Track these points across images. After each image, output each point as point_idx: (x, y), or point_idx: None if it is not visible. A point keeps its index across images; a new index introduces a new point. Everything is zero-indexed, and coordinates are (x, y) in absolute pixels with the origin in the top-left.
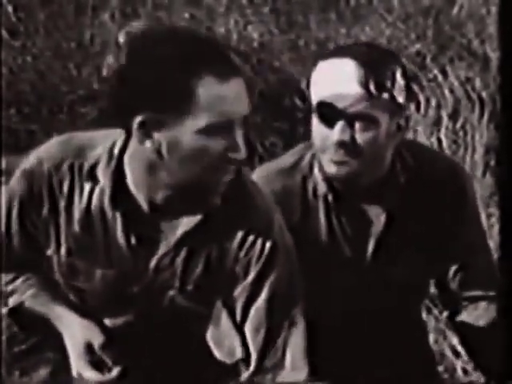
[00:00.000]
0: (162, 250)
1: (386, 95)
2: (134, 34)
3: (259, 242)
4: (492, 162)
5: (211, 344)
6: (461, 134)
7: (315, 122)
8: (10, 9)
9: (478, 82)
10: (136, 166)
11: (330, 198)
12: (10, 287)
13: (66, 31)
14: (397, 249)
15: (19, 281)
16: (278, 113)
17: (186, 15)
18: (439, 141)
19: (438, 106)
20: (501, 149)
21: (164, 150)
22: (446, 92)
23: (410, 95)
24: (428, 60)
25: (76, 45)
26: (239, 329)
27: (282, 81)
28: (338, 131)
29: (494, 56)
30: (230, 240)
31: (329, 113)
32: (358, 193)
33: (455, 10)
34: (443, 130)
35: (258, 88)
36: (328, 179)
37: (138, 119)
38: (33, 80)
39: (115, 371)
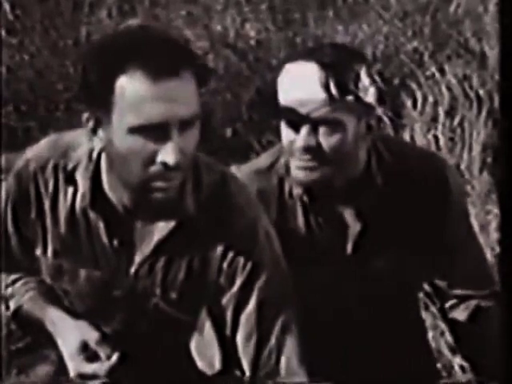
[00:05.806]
0: (139, 257)
1: (350, 97)
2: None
3: (241, 260)
4: (489, 160)
5: (194, 353)
6: (458, 131)
7: (283, 125)
8: (7, 7)
9: (475, 80)
10: (104, 168)
11: (305, 199)
12: (10, 290)
13: (63, 29)
14: (378, 248)
15: (18, 284)
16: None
17: (183, 12)
18: (436, 138)
19: (435, 104)
20: (498, 146)
21: (107, 149)
22: (444, 89)
23: (381, 94)
24: (425, 57)
25: (73, 42)
26: (222, 339)
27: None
28: (302, 136)
29: (491, 53)
30: (211, 250)
31: (294, 117)
32: (333, 195)
33: (452, 8)
34: (440, 128)
35: (255, 86)
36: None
37: (84, 116)
38: (30, 78)
39: (114, 357)
